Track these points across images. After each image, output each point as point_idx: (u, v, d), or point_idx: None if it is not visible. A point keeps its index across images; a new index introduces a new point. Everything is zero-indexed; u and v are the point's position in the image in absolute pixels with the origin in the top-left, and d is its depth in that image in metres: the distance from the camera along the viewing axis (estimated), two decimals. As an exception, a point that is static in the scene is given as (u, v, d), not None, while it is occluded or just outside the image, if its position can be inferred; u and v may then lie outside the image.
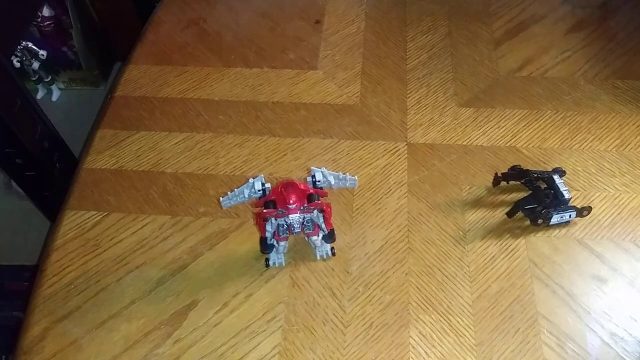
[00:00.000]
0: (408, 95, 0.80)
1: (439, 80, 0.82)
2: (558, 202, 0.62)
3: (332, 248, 0.62)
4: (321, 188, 0.57)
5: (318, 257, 0.63)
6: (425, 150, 0.73)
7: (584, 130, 0.74)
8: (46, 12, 1.48)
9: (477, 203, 0.67)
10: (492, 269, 0.61)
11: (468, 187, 0.69)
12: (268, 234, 0.58)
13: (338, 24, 0.92)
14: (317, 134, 0.75)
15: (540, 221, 0.63)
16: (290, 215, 0.56)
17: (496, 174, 0.67)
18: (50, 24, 1.50)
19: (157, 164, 0.73)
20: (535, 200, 0.63)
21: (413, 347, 0.56)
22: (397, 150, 0.73)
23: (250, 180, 0.57)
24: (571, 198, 0.63)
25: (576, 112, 0.76)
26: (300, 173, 0.71)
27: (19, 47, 1.44)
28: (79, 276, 0.62)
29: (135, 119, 0.79)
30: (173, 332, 0.57)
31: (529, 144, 0.73)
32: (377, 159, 0.72)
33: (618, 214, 0.65)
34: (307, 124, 0.77)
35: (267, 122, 0.77)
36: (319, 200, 0.56)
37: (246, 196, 0.58)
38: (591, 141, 0.73)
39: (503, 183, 0.68)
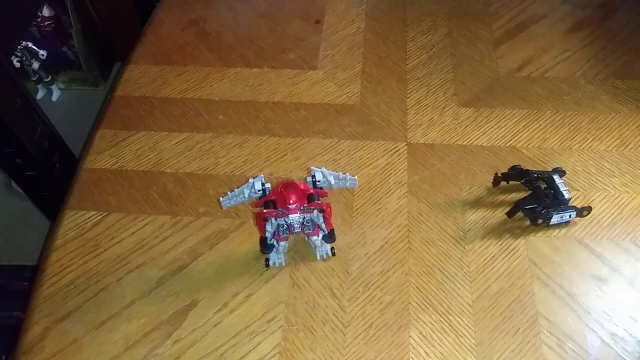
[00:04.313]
0: (408, 95, 0.80)
1: (439, 80, 0.81)
2: (558, 202, 0.62)
3: (332, 248, 0.62)
4: (321, 188, 0.57)
5: (318, 257, 0.63)
6: (425, 150, 0.73)
7: (584, 130, 0.74)
8: (46, 12, 1.48)
9: (477, 203, 0.67)
10: (492, 269, 0.61)
11: (468, 187, 0.69)
12: (268, 234, 0.58)
13: (338, 24, 0.92)
14: (317, 134, 0.75)
15: (540, 221, 0.62)
16: (290, 215, 0.56)
17: (496, 174, 0.67)
18: (50, 24, 1.50)
19: (157, 164, 0.73)
20: (535, 200, 0.63)
21: (413, 347, 0.56)
22: (397, 150, 0.73)
23: (250, 180, 0.57)
24: (571, 198, 0.63)
25: (576, 112, 0.76)
26: (300, 173, 0.71)
27: (19, 47, 1.44)
28: (79, 276, 0.62)
29: (135, 119, 0.79)
30: (173, 332, 0.57)
31: (529, 144, 0.73)
32: (377, 159, 0.72)
33: (618, 214, 0.65)
34: (307, 124, 0.77)
35: (267, 122, 0.77)
36: (319, 200, 0.56)
37: (246, 196, 0.58)
38: (591, 141, 0.73)
39: (503, 183, 0.68)
